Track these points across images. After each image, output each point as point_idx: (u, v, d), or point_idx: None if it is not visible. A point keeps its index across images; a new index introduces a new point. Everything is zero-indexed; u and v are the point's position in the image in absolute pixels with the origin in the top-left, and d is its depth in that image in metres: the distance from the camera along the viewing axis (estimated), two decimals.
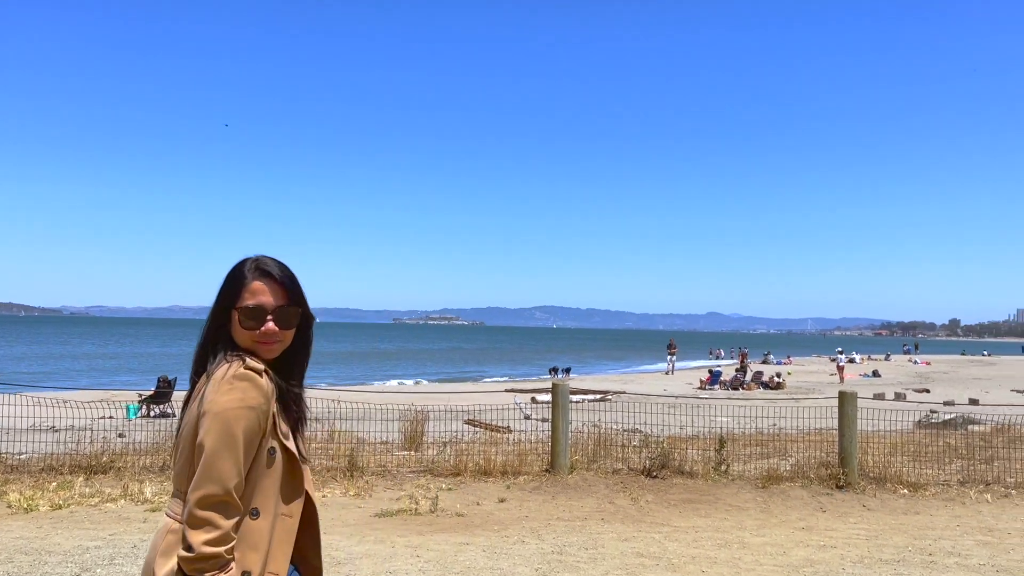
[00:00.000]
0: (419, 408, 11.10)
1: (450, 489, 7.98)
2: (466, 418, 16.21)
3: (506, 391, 27.27)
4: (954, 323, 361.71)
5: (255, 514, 1.99)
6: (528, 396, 24.54)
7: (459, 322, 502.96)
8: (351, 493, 7.74)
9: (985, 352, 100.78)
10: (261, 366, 2.03)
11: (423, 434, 10.30)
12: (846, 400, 7.34)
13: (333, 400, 11.49)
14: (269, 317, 2.09)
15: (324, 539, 2.44)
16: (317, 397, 11.81)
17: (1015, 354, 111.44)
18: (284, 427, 2.08)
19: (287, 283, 2.15)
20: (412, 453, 9.57)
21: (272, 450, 2.03)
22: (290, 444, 2.08)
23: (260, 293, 2.10)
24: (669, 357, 40.14)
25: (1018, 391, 29.78)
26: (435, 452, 9.12)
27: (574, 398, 23.83)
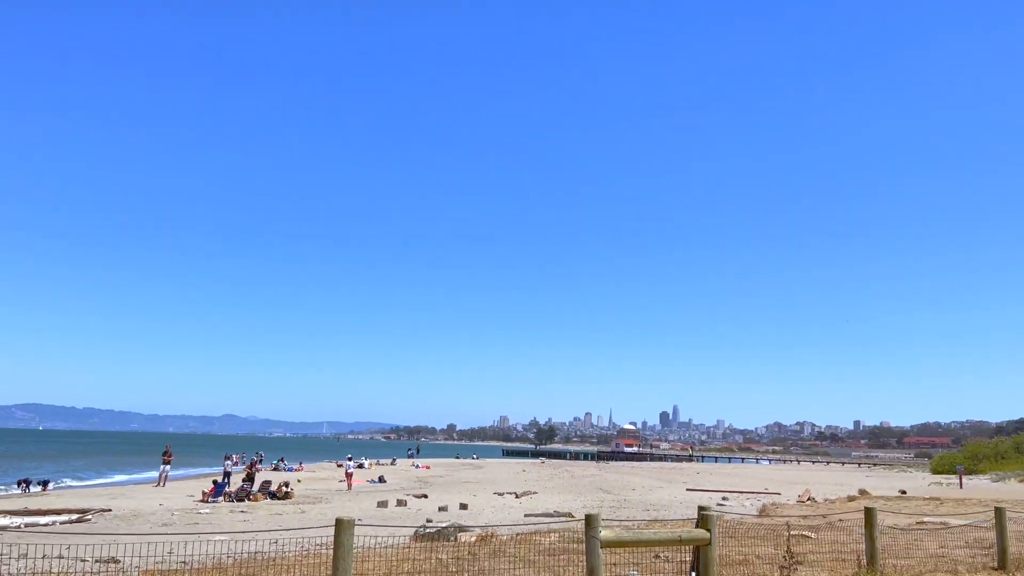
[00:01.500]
0: None
1: None
2: None
3: None
4: (451, 427, 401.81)
5: None
6: None
7: None
8: None
9: (475, 455, 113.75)
10: None
11: None
12: (342, 528, 6.68)
13: None
14: None
15: None
16: None
17: (497, 456, 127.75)
18: None
19: None
20: None
21: None
22: None
23: None
24: (163, 466, 36.19)
25: (499, 493, 33.23)
26: None
27: (43, 520, 19.73)
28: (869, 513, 9.45)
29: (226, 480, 30.63)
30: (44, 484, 35.49)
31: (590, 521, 7.17)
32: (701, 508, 7.85)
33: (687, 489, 38.29)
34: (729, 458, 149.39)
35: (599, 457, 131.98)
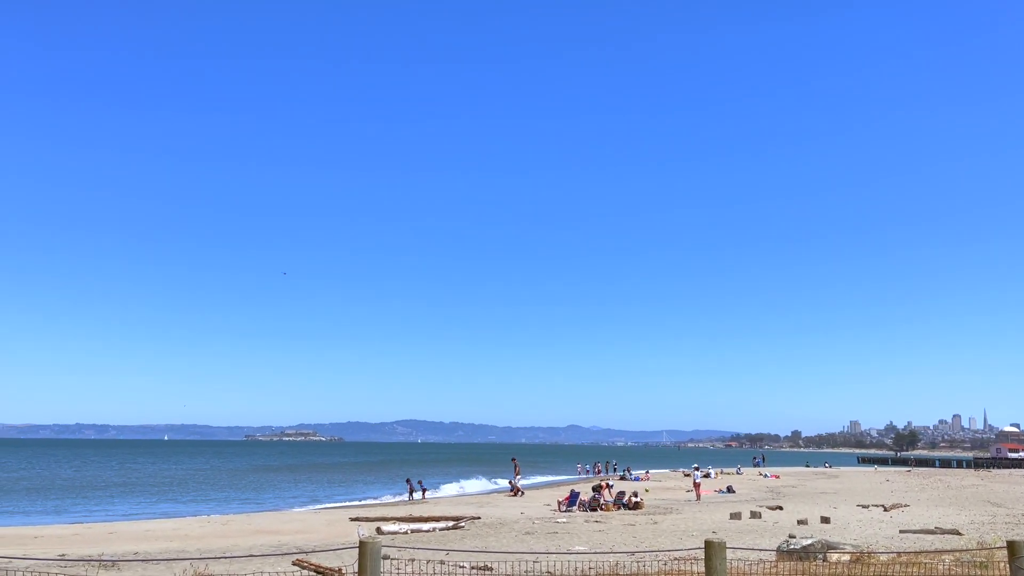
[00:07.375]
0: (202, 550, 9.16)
1: None
2: (295, 558, 14.11)
3: (351, 520, 24.94)
4: (796, 434, 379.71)
5: None
6: (374, 525, 22.40)
7: (316, 438, 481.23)
8: None
9: (827, 463, 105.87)
10: None
11: None
12: (713, 552, 6.25)
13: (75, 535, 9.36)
14: None
15: None
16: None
17: (851, 464, 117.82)
18: None
19: None
20: None
21: None
22: None
23: None
24: (516, 476, 39.41)
25: (863, 506, 30.29)
26: None
27: (425, 527, 21.98)
28: None
29: (578, 491, 31.72)
30: (424, 490, 39.94)
31: (1015, 548, 5.93)
32: None
33: None
34: None
35: (976, 464, 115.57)
